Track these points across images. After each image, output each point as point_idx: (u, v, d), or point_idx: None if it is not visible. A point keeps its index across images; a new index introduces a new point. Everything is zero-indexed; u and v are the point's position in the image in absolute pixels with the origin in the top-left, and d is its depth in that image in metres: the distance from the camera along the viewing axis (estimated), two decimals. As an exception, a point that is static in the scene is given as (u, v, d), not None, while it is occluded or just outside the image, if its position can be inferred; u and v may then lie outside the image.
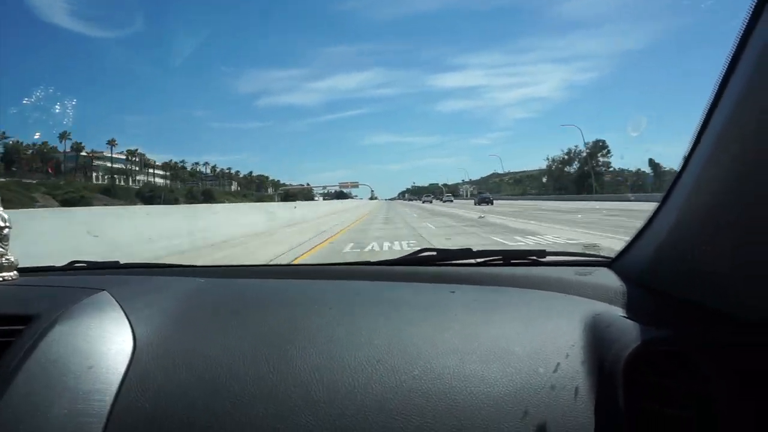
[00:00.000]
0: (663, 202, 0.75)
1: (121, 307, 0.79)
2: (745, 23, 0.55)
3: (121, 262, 1.23)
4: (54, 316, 0.72)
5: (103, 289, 0.84)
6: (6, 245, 0.99)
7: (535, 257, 1.04)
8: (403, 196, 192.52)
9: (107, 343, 0.71)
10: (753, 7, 0.53)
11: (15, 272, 0.99)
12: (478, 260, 1.06)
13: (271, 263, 1.40)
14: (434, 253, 1.11)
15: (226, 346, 0.71)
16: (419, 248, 1.14)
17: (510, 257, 1.05)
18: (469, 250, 1.09)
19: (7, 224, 1.00)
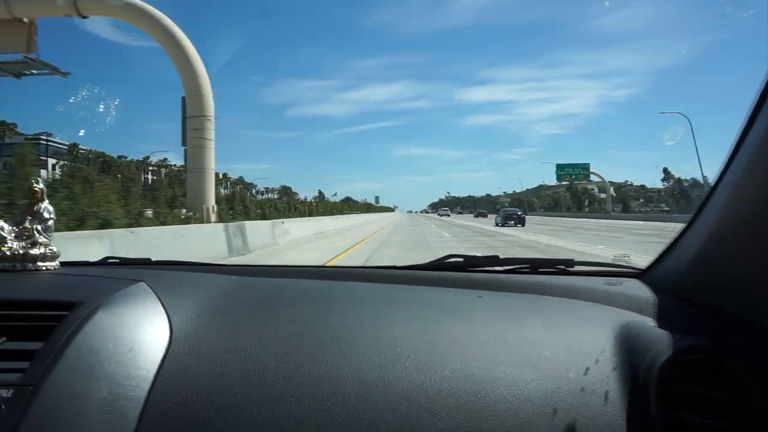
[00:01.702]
0: (698, 213, 0.75)
1: (158, 297, 0.82)
2: None
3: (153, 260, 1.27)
4: (95, 304, 0.75)
5: (141, 281, 0.87)
6: (50, 236, 1.03)
7: (563, 266, 1.03)
8: (433, 208, 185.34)
9: (145, 332, 0.74)
10: None
11: (57, 262, 1.03)
12: (506, 268, 1.06)
13: (303, 265, 1.43)
14: (461, 259, 1.11)
15: (258, 340, 0.73)
16: (446, 254, 1.14)
17: (538, 266, 1.05)
18: (497, 257, 1.09)
19: (52, 216, 1.05)
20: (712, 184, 0.71)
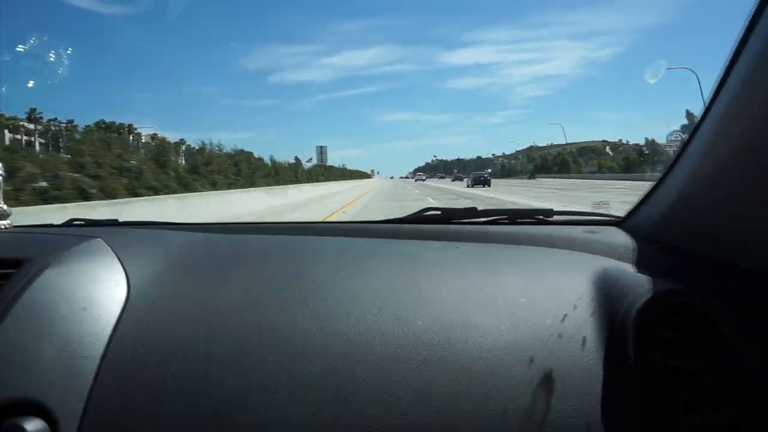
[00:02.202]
0: (676, 160, 0.74)
1: (115, 254, 0.77)
2: None
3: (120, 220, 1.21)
4: (46, 261, 0.70)
5: (98, 237, 0.82)
6: None
7: (542, 216, 1.01)
8: (416, 173, 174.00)
9: (100, 289, 0.70)
10: None
11: (9, 221, 0.97)
12: (483, 219, 1.04)
13: (274, 221, 1.40)
14: (438, 212, 1.09)
15: (223, 295, 0.70)
16: (423, 208, 1.12)
17: (516, 216, 1.03)
18: (474, 209, 1.07)
19: (2, 173, 0.98)
20: (691, 131, 0.70)
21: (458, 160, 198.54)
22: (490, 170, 40.29)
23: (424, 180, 68.23)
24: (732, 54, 0.60)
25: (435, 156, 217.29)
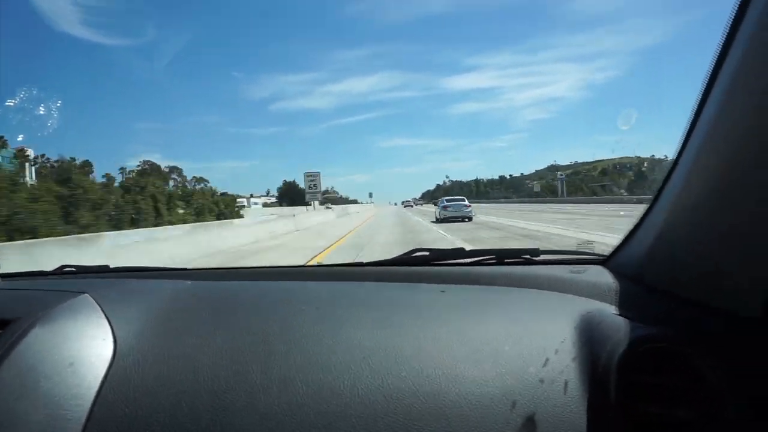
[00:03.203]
0: (656, 199, 0.74)
1: (102, 309, 0.78)
2: (732, 16, 0.54)
3: (111, 267, 1.22)
4: (31, 320, 0.70)
5: (85, 292, 0.82)
6: None
7: (529, 256, 1.02)
8: (425, 199, 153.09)
9: (87, 347, 0.70)
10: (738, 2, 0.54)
11: None
12: (471, 260, 1.04)
13: (265, 266, 1.40)
14: (427, 253, 1.09)
15: (209, 346, 0.70)
16: (412, 249, 1.12)
17: (504, 256, 1.04)
18: (462, 249, 1.07)
19: None
20: (669, 168, 0.70)
21: (476, 180, 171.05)
22: (464, 198, 21.87)
23: (412, 206, 68.71)
24: (704, 85, 0.60)
25: (447, 177, 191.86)
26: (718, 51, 0.57)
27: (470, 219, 19.22)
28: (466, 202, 20.39)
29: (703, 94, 0.60)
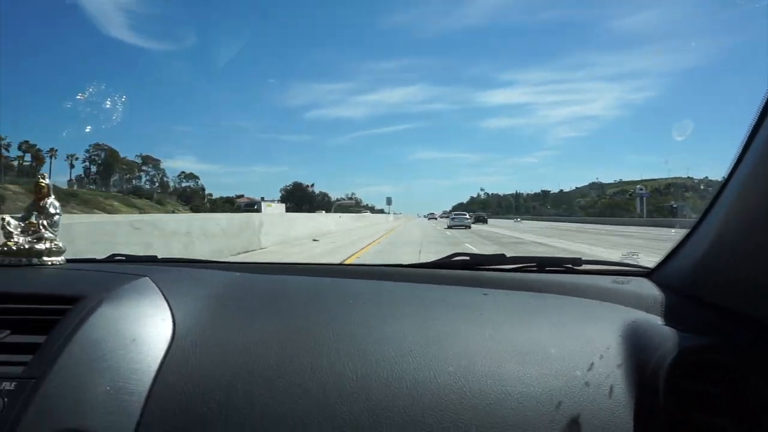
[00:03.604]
0: (706, 212, 0.74)
1: (162, 292, 0.82)
2: None
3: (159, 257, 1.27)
4: (99, 298, 0.75)
5: (145, 276, 0.87)
6: (56, 231, 1.04)
7: (570, 265, 1.02)
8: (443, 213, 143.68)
9: (148, 326, 0.74)
10: None
11: (63, 258, 1.04)
12: (512, 266, 1.05)
13: (307, 262, 1.44)
14: (467, 257, 1.11)
15: (260, 336, 0.72)
16: (452, 252, 1.14)
17: (545, 264, 1.04)
18: (503, 255, 1.08)
19: (58, 211, 1.06)
20: (721, 184, 0.71)
21: (515, 194, 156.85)
22: (465, 213, 35.73)
23: (436, 219, 71.20)
24: (763, 103, 0.60)
25: (482, 190, 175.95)
26: None
27: (469, 227, 31.35)
28: (467, 216, 34.93)
29: (764, 107, 0.61)
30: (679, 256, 0.83)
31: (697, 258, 0.76)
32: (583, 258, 1.03)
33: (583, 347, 0.67)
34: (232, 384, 0.65)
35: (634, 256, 1.27)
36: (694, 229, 0.77)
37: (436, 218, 76.56)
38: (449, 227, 31.48)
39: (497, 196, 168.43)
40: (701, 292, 0.75)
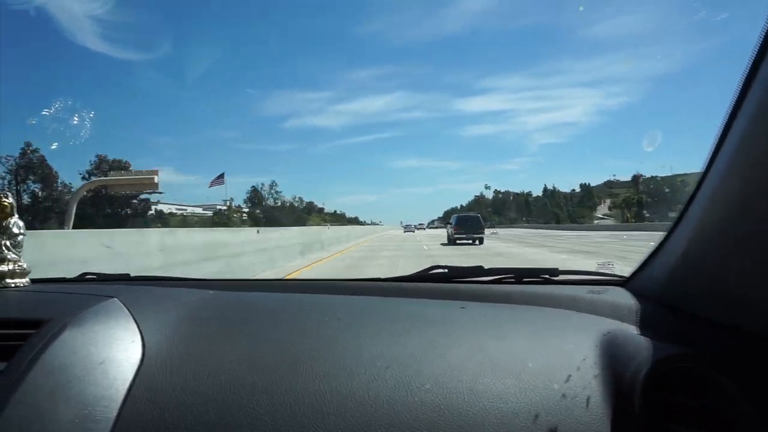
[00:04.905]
0: (679, 219, 0.75)
1: (130, 314, 0.79)
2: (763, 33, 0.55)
3: (132, 275, 1.24)
4: (63, 321, 0.72)
5: (113, 297, 0.84)
6: (20, 252, 1.00)
7: (547, 275, 1.03)
8: (432, 223, 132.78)
9: (116, 349, 0.71)
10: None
11: (27, 279, 1.00)
12: (490, 278, 1.05)
13: (282, 278, 1.42)
14: (445, 270, 1.10)
15: (234, 355, 0.71)
16: (430, 266, 1.13)
17: (522, 275, 1.04)
18: (481, 267, 1.08)
19: (22, 232, 1.02)
20: (691, 194, 0.71)
21: (523, 193, 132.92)
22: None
23: (413, 231, 60.45)
24: (731, 107, 0.60)
25: (485, 189, 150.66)
26: (746, 72, 0.57)
27: (481, 242, 22.40)
28: (481, 219, 25.02)
29: (730, 115, 0.61)
30: (654, 264, 0.84)
31: (671, 266, 0.76)
32: (560, 268, 1.04)
33: (560, 359, 0.67)
34: (204, 406, 0.63)
35: (610, 266, 1.29)
36: (668, 236, 0.78)
37: (413, 230, 63.82)
38: (451, 242, 22.69)
39: (506, 193, 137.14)
40: (675, 300, 0.76)
